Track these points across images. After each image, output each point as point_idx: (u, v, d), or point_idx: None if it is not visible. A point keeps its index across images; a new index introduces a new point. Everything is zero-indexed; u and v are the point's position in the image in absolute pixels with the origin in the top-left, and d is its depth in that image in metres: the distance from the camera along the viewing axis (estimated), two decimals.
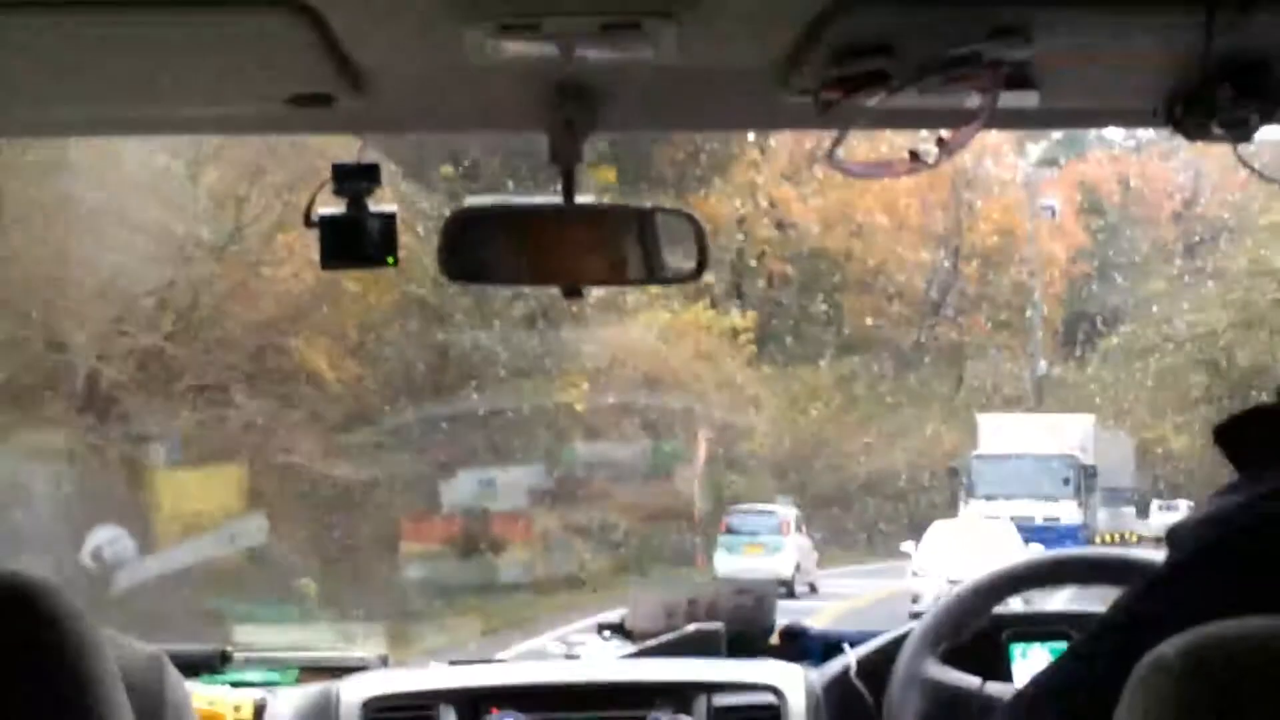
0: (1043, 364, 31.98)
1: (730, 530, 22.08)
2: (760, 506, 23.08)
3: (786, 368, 29.19)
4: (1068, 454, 26.18)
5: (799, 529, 22.65)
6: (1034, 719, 1.43)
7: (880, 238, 31.56)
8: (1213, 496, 1.42)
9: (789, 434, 27.76)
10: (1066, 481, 25.94)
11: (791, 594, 20.64)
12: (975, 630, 2.61)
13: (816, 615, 13.72)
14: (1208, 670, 1.09)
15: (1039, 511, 24.82)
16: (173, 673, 1.43)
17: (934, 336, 32.14)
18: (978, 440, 26.73)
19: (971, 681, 2.50)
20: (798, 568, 21.75)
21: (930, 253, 32.58)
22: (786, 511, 22.91)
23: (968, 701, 2.49)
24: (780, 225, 31.02)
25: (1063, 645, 2.64)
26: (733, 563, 21.01)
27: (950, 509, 24.83)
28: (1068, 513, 25.36)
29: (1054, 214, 33.30)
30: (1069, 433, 26.90)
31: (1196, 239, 31.19)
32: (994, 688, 2.49)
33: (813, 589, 21.94)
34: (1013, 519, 22.92)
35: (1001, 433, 26.63)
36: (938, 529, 21.04)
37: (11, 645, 1.14)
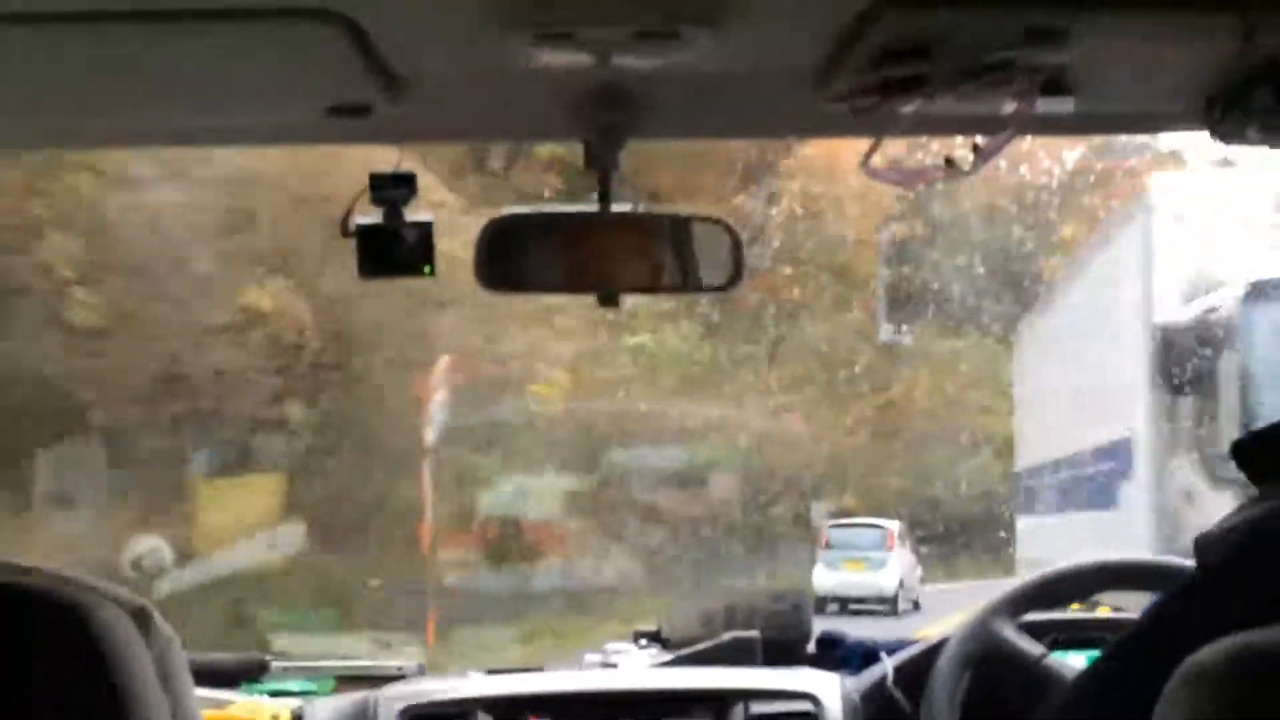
0: (886, 326, 23.94)
1: (830, 545, 20.86)
2: (863, 520, 21.63)
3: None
4: None
5: (903, 543, 21.37)
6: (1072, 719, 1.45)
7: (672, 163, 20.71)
8: (1239, 508, 1.42)
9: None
10: None
11: (895, 611, 20.03)
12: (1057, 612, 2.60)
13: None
14: (1253, 677, 1.09)
15: None
16: (164, 627, 1.42)
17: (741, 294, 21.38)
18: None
19: (1034, 649, 2.50)
20: (901, 584, 20.67)
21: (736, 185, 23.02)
22: (890, 524, 21.47)
23: (1022, 666, 2.48)
24: None
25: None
26: (833, 579, 19.95)
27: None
28: None
29: None
30: None
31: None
32: (1053, 661, 2.48)
33: (916, 606, 20.81)
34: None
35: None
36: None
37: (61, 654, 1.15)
